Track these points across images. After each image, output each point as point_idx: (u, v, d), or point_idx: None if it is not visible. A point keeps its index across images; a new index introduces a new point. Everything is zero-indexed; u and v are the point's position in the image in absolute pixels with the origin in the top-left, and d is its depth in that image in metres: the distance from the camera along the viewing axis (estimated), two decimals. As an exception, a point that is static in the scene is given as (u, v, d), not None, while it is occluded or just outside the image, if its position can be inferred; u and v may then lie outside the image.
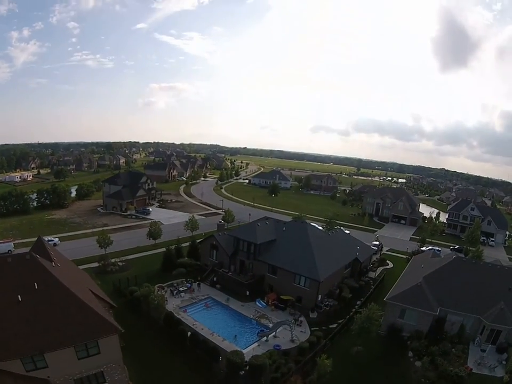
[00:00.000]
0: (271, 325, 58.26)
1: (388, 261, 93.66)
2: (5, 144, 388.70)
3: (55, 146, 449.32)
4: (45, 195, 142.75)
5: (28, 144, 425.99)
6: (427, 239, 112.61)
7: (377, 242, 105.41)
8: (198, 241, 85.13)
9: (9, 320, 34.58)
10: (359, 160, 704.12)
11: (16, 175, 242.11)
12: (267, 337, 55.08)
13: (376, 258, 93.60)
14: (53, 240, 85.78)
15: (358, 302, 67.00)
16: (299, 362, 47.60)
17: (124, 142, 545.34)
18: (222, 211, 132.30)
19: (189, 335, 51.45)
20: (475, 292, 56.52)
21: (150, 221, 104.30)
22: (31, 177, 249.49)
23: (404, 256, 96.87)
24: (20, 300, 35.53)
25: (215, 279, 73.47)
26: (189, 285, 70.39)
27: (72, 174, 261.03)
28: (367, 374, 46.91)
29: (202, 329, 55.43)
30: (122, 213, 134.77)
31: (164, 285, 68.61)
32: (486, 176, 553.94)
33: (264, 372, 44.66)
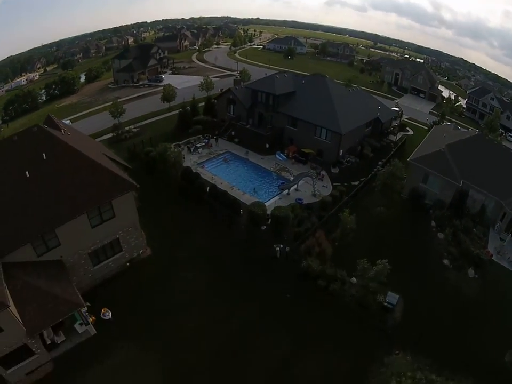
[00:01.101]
0: (292, 178, 55.28)
1: (407, 128, 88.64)
2: (8, 57, 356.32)
3: (60, 44, 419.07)
4: (53, 87, 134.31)
5: (31, 49, 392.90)
6: (446, 117, 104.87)
7: (397, 109, 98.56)
8: (214, 97, 79.92)
9: (17, 201, 30.15)
10: (376, 36, 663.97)
11: (22, 79, 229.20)
12: (288, 190, 52.26)
13: (396, 124, 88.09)
14: (64, 123, 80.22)
15: (380, 162, 62.71)
16: (322, 217, 44.83)
17: (131, 24, 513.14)
18: (237, 72, 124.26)
19: (207, 190, 48.58)
20: (498, 174, 50.29)
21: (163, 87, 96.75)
22: (37, 76, 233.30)
23: (425, 127, 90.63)
24: (28, 176, 30.73)
25: (233, 133, 69.40)
26: (206, 140, 66.75)
27: (80, 63, 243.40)
28: (389, 235, 44.01)
29: (221, 183, 52.35)
30: (134, 84, 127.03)
31: (180, 143, 64.96)
32: (505, 78, 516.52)
33: (287, 225, 42.14)
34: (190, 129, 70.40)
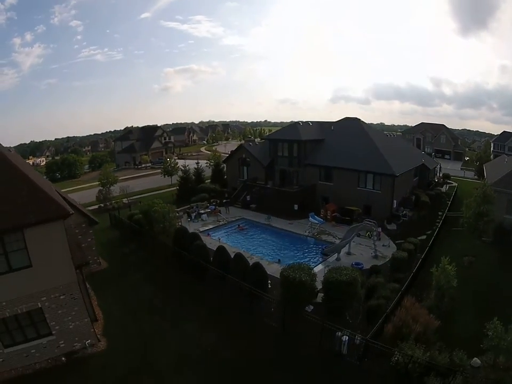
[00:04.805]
0: (337, 241, 36.97)
1: (450, 181, 73.42)
2: (21, 144, 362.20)
3: (71, 139, 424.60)
4: (54, 168, 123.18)
5: (44, 141, 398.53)
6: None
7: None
8: (223, 154, 64.32)
9: None
10: (382, 125, 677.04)
11: (28, 162, 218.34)
12: (338, 252, 33.88)
13: (439, 176, 73.34)
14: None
15: (440, 213, 47.02)
16: (399, 280, 27.01)
17: (141, 127, 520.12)
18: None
19: (211, 258, 30.42)
20: None
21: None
22: (44, 162, 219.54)
23: (466, 179, 77.98)
24: None
25: (248, 198, 51.88)
26: (213, 207, 49.65)
27: (88, 155, 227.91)
28: (496, 288, 27.63)
29: (233, 252, 32.68)
30: (136, 166, 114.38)
31: (178, 209, 47.67)
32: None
33: (355, 296, 23.60)
34: (193, 197, 53.29)
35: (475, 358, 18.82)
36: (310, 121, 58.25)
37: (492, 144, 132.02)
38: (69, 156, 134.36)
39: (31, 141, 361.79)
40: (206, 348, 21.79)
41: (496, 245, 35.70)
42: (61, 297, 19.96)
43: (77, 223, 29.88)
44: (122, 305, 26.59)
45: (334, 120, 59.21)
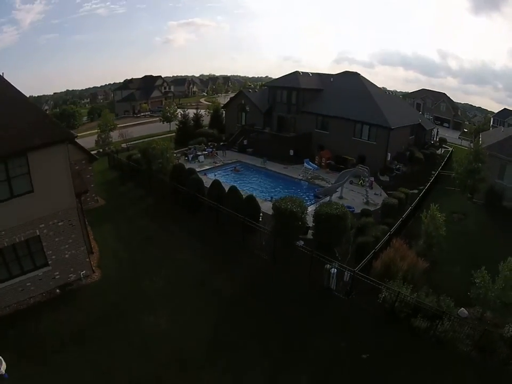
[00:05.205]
0: (329, 185, 37.74)
1: (446, 146, 72.77)
2: None
3: (70, 92, 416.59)
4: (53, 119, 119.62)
5: (43, 95, 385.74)
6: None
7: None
8: (222, 104, 64.89)
9: None
10: (384, 89, 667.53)
11: None
12: (330, 195, 34.54)
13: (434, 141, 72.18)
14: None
15: (433, 172, 46.33)
16: (388, 224, 27.24)
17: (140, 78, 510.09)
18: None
19: (206, 191, 31.06)
20: None
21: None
22: None
23: (462, 147, 73.78)
24: None
25: (245, 142, 52.42)
26: (210, 149, 50.13)
27: (87, 107, 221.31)
28: (482, 244, 27.63)
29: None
30: (135, 115, 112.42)
31: (175, 151, 47.68)
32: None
33: (344, 231, 24.45)
34: (191, 141, 53.58)
35: (462, 308, 19.42)
36: (310, 72, 58.16)
37: (492, 119, 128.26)
38: (67, 107, 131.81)
39: (30, 96, 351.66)
40: (198, 276, 22.75)
41: (487, 207, 36.21)
42: (59, 223, 20.04)
43: (77, 159, 30.06)
44: (117, 238, 27.25)
45: (334, 73, 59.06)
